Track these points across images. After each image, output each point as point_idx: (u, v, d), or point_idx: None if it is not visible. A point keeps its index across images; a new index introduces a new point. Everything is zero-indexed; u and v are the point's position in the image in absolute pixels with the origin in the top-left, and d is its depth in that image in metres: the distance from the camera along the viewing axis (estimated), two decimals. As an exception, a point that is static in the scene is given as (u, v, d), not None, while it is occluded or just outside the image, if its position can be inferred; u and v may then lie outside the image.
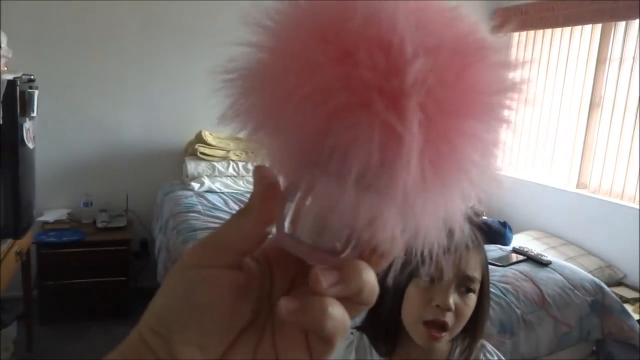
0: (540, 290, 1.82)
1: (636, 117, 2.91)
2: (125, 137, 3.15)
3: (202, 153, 2.97)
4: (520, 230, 3.29)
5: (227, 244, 0.26)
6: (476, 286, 0.82)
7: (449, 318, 0.79)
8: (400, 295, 0.83)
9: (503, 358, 0.91)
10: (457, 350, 0.87)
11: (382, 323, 0.87)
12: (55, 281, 2.71)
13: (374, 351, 0.89)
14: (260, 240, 0.27)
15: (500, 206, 3.67)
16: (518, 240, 2.79)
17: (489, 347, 0.91)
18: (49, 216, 2.90)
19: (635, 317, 2.03)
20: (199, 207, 2.59)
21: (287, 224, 0.25)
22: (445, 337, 0.80)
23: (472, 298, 0.82)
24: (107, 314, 2.83)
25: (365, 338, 0.90)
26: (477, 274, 0.82)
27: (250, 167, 2.55)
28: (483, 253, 0.86)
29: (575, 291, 1.87)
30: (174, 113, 3.21)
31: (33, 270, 2.58)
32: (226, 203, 2.73)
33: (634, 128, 2.92)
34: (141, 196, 3.15)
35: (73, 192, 3.05)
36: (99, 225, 2.90)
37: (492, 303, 1.73)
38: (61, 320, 2.76)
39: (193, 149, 3.01)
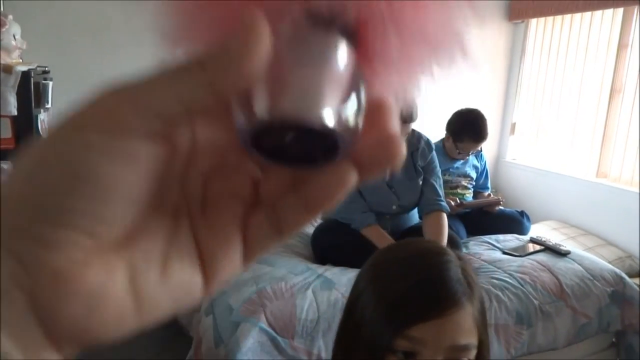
0: (559, 281, 1.79)
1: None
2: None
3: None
4: (539, 220, 3.24)
5: (157, 106, 0.18)
6: (472, 353, 0.62)
7: None
8: None
9: None
10: None
11: None
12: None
13: None
14: (201, 112, 0.19)
15: (517, 196, 3.62)
16: (536, 230, 2.74)
17: None
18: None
19: (657, 308, 1.99)
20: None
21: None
22: None
23: None
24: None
25: None
26: (472, 339, 0.61)
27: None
28: (479, 301, 0.64)
29: (595, 281, 1.83)
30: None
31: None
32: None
33: (656, 115, 2.85)
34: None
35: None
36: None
37: (508, 294, 1.71)
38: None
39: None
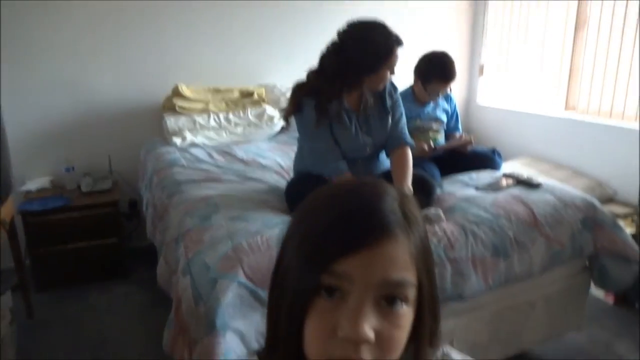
0: (532, 211, 1.81)
1: (635, 35, 2.84)
2: (100, 97, 3.04)
3: (180, 107, 2.89)
4: (511, 158, 3.28)
5: None
6: (409, 293, 0.54)
7: (365, 354, 0.51)
8: (297, 319, 0.55)
9: None
10: None
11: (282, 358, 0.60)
12: (47, 248, 2.68)
13: None
14: None
15: (490, 137, 3.64)
16: (509, 168, 2.77)
17: (454, 354, 0.66)
18: (31, 185, 2.85)
19: (627, 231, 2.04)
20: (182, 161, 2.53)
21: None
22: None
23: (405, 312, 0.54)
24: (104, 275, 2.83)
25: None
26: (408, 275, 0.54)
27: (232, 117, 2.44)
28: (419, 239, 0.57)
29: (567, 209, 1.86)
30: (148, 68, 3.09)
31: (22, 240, 2.55)
32: (210, 155, 2.67)
33: (620, 46, 2.85)
34: (124, 156, 3.08)
35: (53, 158, 2.97)
36: (84, 189, 2.85)
37: (484, 227, 1.73)
38: (59, 286, 2.76)
39: (171, 103, 2.92)
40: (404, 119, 2.08)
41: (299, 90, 1.91)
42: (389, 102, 2.02)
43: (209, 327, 1.39)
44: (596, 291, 2.50)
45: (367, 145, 1.99)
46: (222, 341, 1.38)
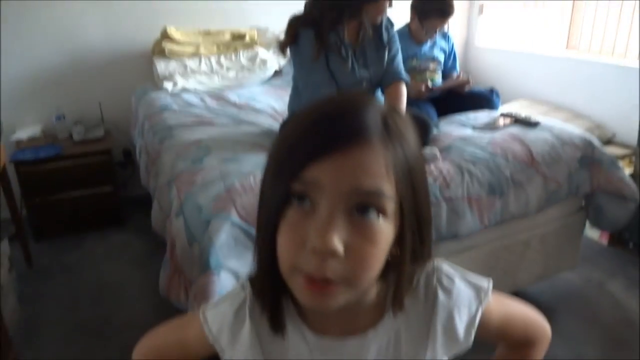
0: (529, 150, 1.78)
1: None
2: (89, 43, 2.94)
3: (170, 51, 2.80)
4: (510, 100, 3.22)
5: None
6: (386, 204, 0.50)
7: (332, 269, 0.48)
8: (272, 232, 0.52)
9: (468, 274, 0.64)
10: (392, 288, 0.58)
11: (260, 278, 0.58)
12: (42, 198, 2.67)
13: None
14: None
15: (489, 79, 3.57)
16: (507, 109, 2.73)
17: (446, 267, 0.63)
18: (22, 134, 2.80)
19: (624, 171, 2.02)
20: (174, 106, 2.48)
21: None
22: (340, 291, 0.50)
23: (380, 226, 0.50)
24: (101, 223, 2.83)
25: None
26: (383, 184, 0.49)
27: (223, 61, 2.37)
28: (403, 155, 0.52)
29: (565, 147, 1.83)
30: (136, 12, 2.96)
31: (16, 190, 2.53)
32: (202, 100, 2.61)
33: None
34: (115, 104, 3.02)
35: (43, 107, 2.91)
36: (76, 138, 2.80)
37: (480, 166, 1.70)
38: (56, 235, 2.77)
39: (160, 47, 2.83)
40: (400, 56, 2.03)
41: (296, 22, 1.88)
42: (385, 36, 1.98)
43: (203, 267, 1.39)
44: (591, 232, 2.51)
45: (363, 80, 1.95)
46: (216, 280, 1.38)
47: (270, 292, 0.57)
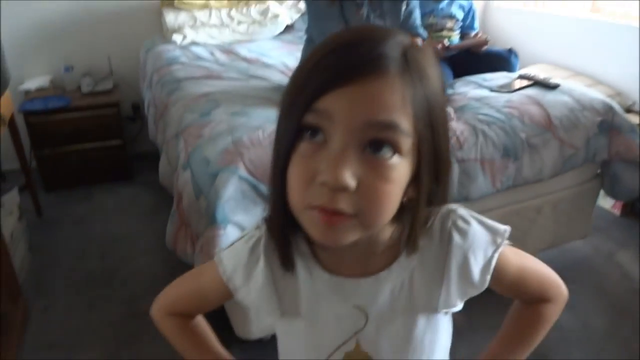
0: (547, 113, 1.72)
1: None
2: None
3: (179, 2, 2.72)
4: (529, 64, 3.12)
5: None
6: (401, 141, 0.47)
7: (344, 203, 0.46)
8: (284, 167, 0.50)
9: (484, 219, 0.61)
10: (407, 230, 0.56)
11: (273, 215, 0.57)
12: (51, 149, 2.67)
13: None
14: None
15: (508, 41, 3.45)
16: (526, 72, 2.64)
17: (462, 210, 0.60)
18: (30, 84, 2.77)
19: (644, 140, 1.96)
20: (183, 59, 2.42)
21: None
22: (351, 226, 0.48)
23: (395, 163, 0.48)
24: (109, 177, 2.84)
25: None
26: (399, 118, 0.46)
27: (234, 14, 2.32)
28: (423, 85, 0.49)
29: (584, 112, 1.77)
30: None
31: (25, 140, 2.52)
32: (212, 54, 2.55)
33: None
34: (124, 57, 2.97)
35: (51, 58, 2.87)
36: (84, 90, 2.77)
37: (495, 128, 1.65)
38: (65, 186, 2.78)
39: (170, -2, 2.76)
40: (418, 11, 1.98)
41: None
42: None
43: (210, 221, 1.38)
44: (603, 201, 2.46)
45: None
46: (222, 234, 1.37)
47: (281, 228, 0.56)
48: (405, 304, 0.60)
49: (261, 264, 0.60)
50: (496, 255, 0.59)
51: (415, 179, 0.51)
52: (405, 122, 0.47)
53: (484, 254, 0.59)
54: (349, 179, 0.45)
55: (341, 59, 0.47)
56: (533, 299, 0.70)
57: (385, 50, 0.47)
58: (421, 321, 0.61)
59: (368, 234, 0.51)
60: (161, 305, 0.74)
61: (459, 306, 0.61)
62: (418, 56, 0.50)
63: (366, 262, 0.59)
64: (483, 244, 0.59)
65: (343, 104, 0.46)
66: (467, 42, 2.36)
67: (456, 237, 0.58)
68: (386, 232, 0.57)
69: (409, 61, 0.48)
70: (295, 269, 0.60)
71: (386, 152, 0.47)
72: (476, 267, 0.59)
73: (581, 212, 1.99)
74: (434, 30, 2.32)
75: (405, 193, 0.51)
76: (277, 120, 0.54)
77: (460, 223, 0.59)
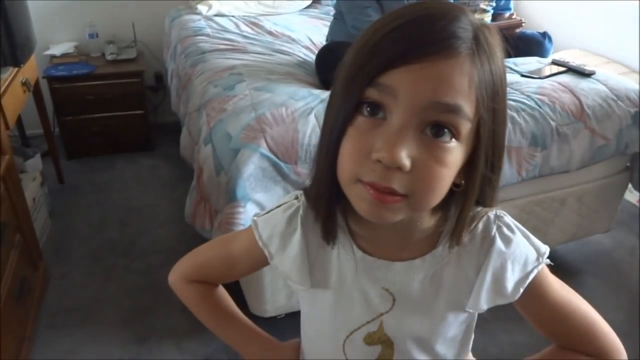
0: (580, 101, 1.66)
1: None
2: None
3: (206, -29, 2.68)
4: (561, 49, 3.02)
5: None
6: (462, 125, 0.46)
7: (397, 182, 0.45)
8: (338, 138, 0.49)
9: (528, 233, 0.59)
10: (452, 220, 0.55)
11: (316, 186, 0.56)
12: (74, 116, 2.68)
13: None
14: None
15: (538, 24, 3.34)
16: (558, 58, 2.55)
17: (508, 218, 0.58)
18: (55, 50, 2.77)
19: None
20: (208, 30, 2.39)
21: None
22: (401, 206, 0.47)
23: (452, 147, 0.47)
24: (131, 147, 2.85)
25: None
26: (463, 102, 0.45)
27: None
28: (490, 67, 0.47)
29: (619, 102, 1.71)
30: None
31: (49, 107, 2.54)
32: (237, 26, 2.51)
33: None
34: (148, 25, 2.94)
35: (76, 24, 2.86)
36: (108, 57, 2.76)
37: (524, 115, 1.60)
38: (86, 154, 2.80)
39: (197, -33, 2.71)
40: None
41: None
42: None
43: (230, 197, 1.38)
44: (629, 195, 2.40)
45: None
46: (242, 211, 1.37)
47: (326, 200, 0.55)
48: (432, 296, 0.59)
49: (298, 234, 0.60)
50: (535, 271, 0.57)
51: (467, 165, 0.50)
52: (468, 107, 0.46)
53: (522, 268, 0.58)
54: (405, 159, 0.44)
55: (411, 35, 0.45)
56: (576, 345, 0.63)
57: (457, 31, 0.46)
58: (446, 315, 0.60)
59: (412, 215, 0.51)
60: (182, 272, 0.73)
61: (484, 309, 0.60)
62: (488, 38, 0.48)
63: (401, 246, 0.58)
64: (524, 258, 0.58)
65: (409, 81, 0.44)
66: (500, 23, 2.27)
67: (499, 243, 0.57)
68: (427, 220, 0.56)
69: (479, 43, 0.47)
70: (335, 243, 0.59)
71: (446, 136, 0.46)
72: (512, 278, 0.58)
73: (607, 205, 1.94)
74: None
75: (453, 181, 0.50)
76: (332, 91, 0.52)
77: (506, 230, 0.58)
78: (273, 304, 1.53)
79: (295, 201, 0.62)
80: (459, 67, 0.45)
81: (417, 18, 0.46)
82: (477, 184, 0.51)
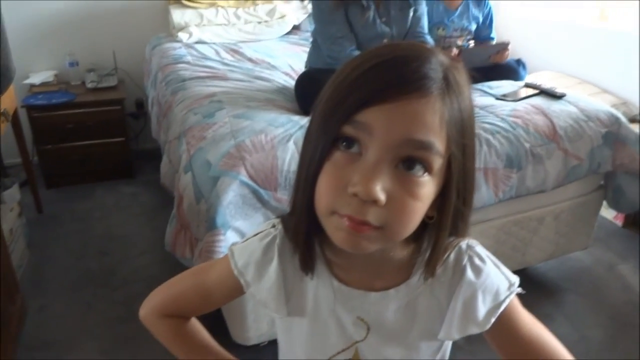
0: (552, 123, 1.71)
1: None
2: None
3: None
4: (534, 71, 3.10)
5: None
6: (434, 160, 0.48)
7: (372, 215, 0.47)
8: (315, 172, 0.51)
9: (499, 263, 0.62)
10: (425, 252, 0.57)
11: (295, 219, 0.57)
12: (54, 145, 2.66)
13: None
14: None
15: (513, 47, 3.43)
16: (532, 80, 2.62)
17: (479, 248, 0.61)
18: (35, 79, 2.76)
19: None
20: (188, 58, 2.42)
21: None
22: (375, 236, 0.49)
23: (425, 182, 0.49)
24: (111, 174, 2.83)
25: None
26: (434, 139, 0.48)
27: (241, 13, 2.32)
28: (459, 105, 0.50)
29: (590, 122, 1.76)
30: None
31: (28, 136, 2.52)
32: (218, 53, 2.54)
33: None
34: (129, 53, 2.96)
35: (56, 52, 2.86)
36: (89, 85, 2.77)
37: (499, 137, 1.64)
38: (66, 183, 2.77)
39: (177, -4, 2.75)
40: (425, 18, 1.98)
41: None
42: None
43: (210, 225, 1.38)
44: (606, 212, 2.45)
45: (384, 36, 1.89)
46: (222, 239, 1.37)
47: (305, 233, 0.56)
48: (406, 325, 0.60)
49: (274, 263, 0.61)
50: (507, 300, 0.59)
51: (439, 198, 0.52)
52: (439, 143, 0.48)
53: (493, 298, 0.59)
54: (380, 193, 0.46)
55: (387, 75, 0.48)
56: None
57: (428, 72, 0.48)
58: (419, 344, 0.61)
59: (387, 246, 0.53)
60: (154, 305, 0.71)
61: (456, 339, 0.61)
62: (457, 76, 0.51)
63: (376, 276, 0.59)
64: (495, 287, 0.59)
65: (384, 119, 0.47)
66: (488, 46, 2.27)
67: (469, 273, 0.59)
68: (400, 251, 0.58)
69: (449, 83, 0.49)
70: (313, 275, 0.60)
71: (418, 170, 0.49)
72: (483, 307, 0.59)
73: (583, 223, 1.98)
74: (442, 45, 2.27)
75: (426, 213, 0.52)
76: (309, 125, 0.54)
77: (477, 260, 0.59)
78: (256, 330, 1.52)
79: (272, 229, 0.62)
80: (431, 106, 0.47)
81: (392, 59, 0.49)
82: (450, 217, 0.53)
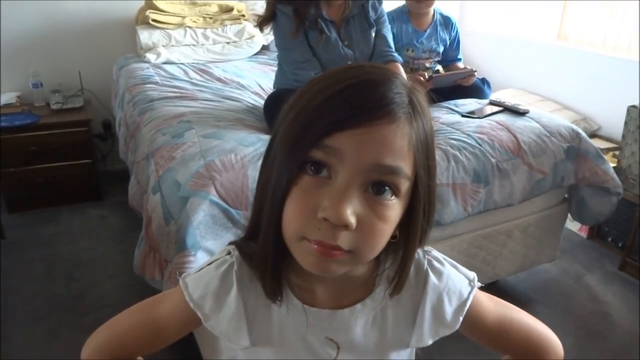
0: (516, 138, 1.76)
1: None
2: (69, 8, 2.84)
3: (154, 20, 2.70)
4: (497, 89, 3.20)
5: None
6: (402, 184, 0.49)
7: (343, 240, 0.47)
8: (282, 197, 0.50)
9: (455, 263, 0.64)
10: (387, 265, 0.59)
11: (261, 247, 0.56)
12: (17, 168, 2.59)
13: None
14: None
15: (477, 65, 3.53)
16: (496, 98, 2.70)
17: (435, 252, 0.63)
18: (-3, 100, 2.70)
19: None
20: (156, 78, 2.40)
21: None
22: (345, 259, 0.49)
23: (393, 205, 0.50)
24: (78, 197, 2.76)
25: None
26: (403, 164, 0.48)
27: (209, 34, 2.32)
28: (424, 132, 0.51)
29: (552, 138, 1.82)
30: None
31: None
32: (186, 73, 2.53)
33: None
34: (95, 73, 2.92)
35: (20, 73, 2.80)
36: (54, 107, 2.71)
37: (466, 153, 1.68)
38: (31, 207, 2.69)
39: (144, 16, 2.73)
40: (390, 36, 2.00)
41: None
42: (372, 14, 1.94)
43: (180, 246, 1.35)
44: (571, 224, 2.52)
45: (348, 59, 1.91)
46: (193, 260, 1.34)
47: (273, 260, 0.55)
48: (376, 339, 0.60)
49: (234, 291, 0.58)
50: (471, 297, 0.61)
51: (407, 219, 0.53)
52: (407, 167, 0.49)
53: (458, 297, 0.61)
54: (351, 217, 0.47)
55: (356, 100, 0.48)
56: (522, 353, 0.67)
57: (395, 97, 0.49)
58: (390, 355, 0.62)
59: (354, 267, 0.54)
60: (96, 347, 0.66)
61: (428, 344, 0.62)
62: (419, 99, 0.52)
63: (340, 295, 0.59)
64: (457, 287, 0.61)
65: (353, 144, 0.47)
66: (455, 72, 2.33)
67: (432, 278, 0.60)
68: (362, 268, 0.59)
69: (414, 106, 0.50)
70: (281, 301, 0.58)
71: (387, 194, 0.49)
72: (450, 308, 0.60)
73: (550, 235, 2.03)
74: (409, 69, 2.31)
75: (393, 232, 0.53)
76: (271, 149, 0.54)
77: (436, 264, 0.62)
78: (229, 352, 1.48)
79: (228, 257, 0.60)
80: (400, 131, 0.48)
81: (359, 83, 0.49)
82: (417, 237, 0.55)
